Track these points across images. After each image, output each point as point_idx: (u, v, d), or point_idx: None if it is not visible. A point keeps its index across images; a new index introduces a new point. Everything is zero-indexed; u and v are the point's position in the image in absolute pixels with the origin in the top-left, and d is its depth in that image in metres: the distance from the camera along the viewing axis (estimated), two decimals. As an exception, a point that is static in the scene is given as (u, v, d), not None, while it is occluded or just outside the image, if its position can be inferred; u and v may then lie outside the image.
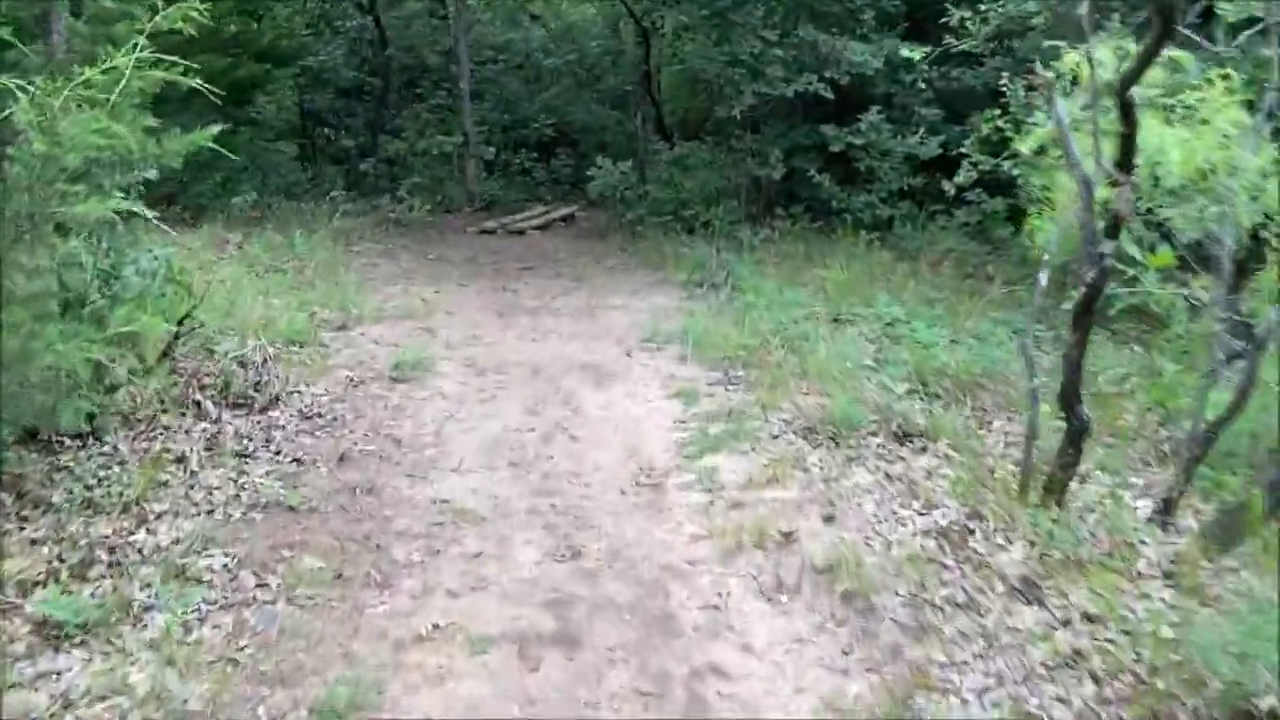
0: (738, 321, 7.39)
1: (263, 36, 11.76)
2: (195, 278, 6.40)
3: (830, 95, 10.95)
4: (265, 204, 11.78)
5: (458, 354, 6.81)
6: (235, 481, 4.48)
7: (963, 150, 7.75)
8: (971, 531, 4.13)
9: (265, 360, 5.36)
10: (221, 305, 6.57)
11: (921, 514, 4.35)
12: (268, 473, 4.60)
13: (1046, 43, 5.60)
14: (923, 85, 11.20)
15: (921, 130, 10.87)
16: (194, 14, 4.22)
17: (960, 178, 7.65)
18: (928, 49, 8.28)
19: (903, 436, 5.17)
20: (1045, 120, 4.62)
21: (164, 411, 4.83)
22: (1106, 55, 3.95)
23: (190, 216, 11.14)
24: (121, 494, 4.10)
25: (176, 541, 3.88)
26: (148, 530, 3.94)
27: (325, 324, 7.22)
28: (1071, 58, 4.17)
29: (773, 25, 11.31)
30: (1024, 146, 4.99)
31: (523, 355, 6.85)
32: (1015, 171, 7.64)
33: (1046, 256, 4.52)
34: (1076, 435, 4.12)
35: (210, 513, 4.17)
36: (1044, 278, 4.52)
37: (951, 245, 10.01)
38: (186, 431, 4.83)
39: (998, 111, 7.73)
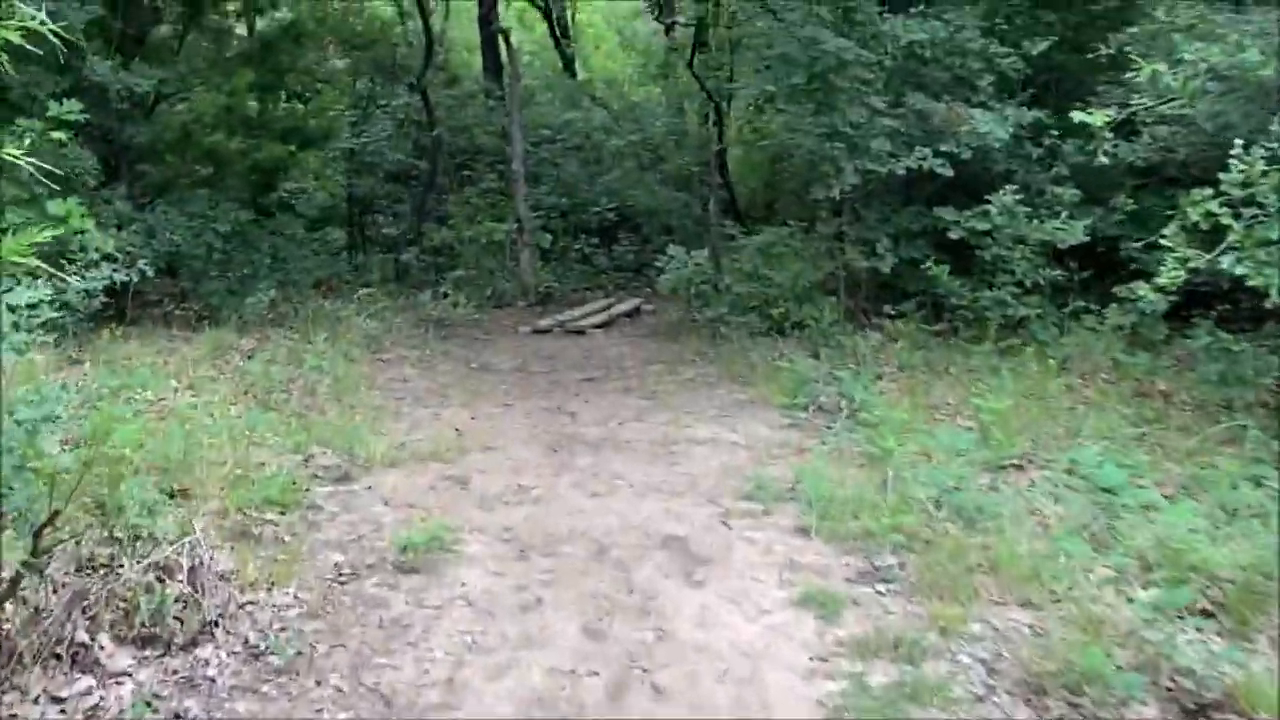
0: (869, 469, 5.50)
1: (287, 117, 10.44)
2: (137, 415, 4.73)
3: (949, 172, 9.18)
4: (293, 301, 10.28)
5: (493, 520, 5.00)
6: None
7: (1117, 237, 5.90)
8: None
9: (199, 563, 3.59)
10: (175, 456, 4.88)
11: None
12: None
13: None
14: (1054, 160, 9.41)
15: (1063, 214, 9.00)
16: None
17: (1165, 277, 5.77)
18: (1109, 114, 6.44)
19: (1196, 712, 3.19)
20: None
21: (19, 666, 3.07)
22: None
23: (200, 319, 9.67)
24: None
25: None
26: None
27: (322, 474, 5.48)
28: None
29: (877, 91, 9.62)
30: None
31: (581, 521, 5.02)
32: (1239, 270, 5.76)
33: None
34: None
35: None
36: None
37: (1114, 354, 8.01)
38: (53, 698, 3.06)
39: (1209, 192, 5.89)
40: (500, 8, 21.57)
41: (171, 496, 4.55)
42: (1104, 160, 6.74)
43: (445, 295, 11.79)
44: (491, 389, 8.16)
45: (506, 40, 13.87)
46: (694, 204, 19.97)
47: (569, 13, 26.91)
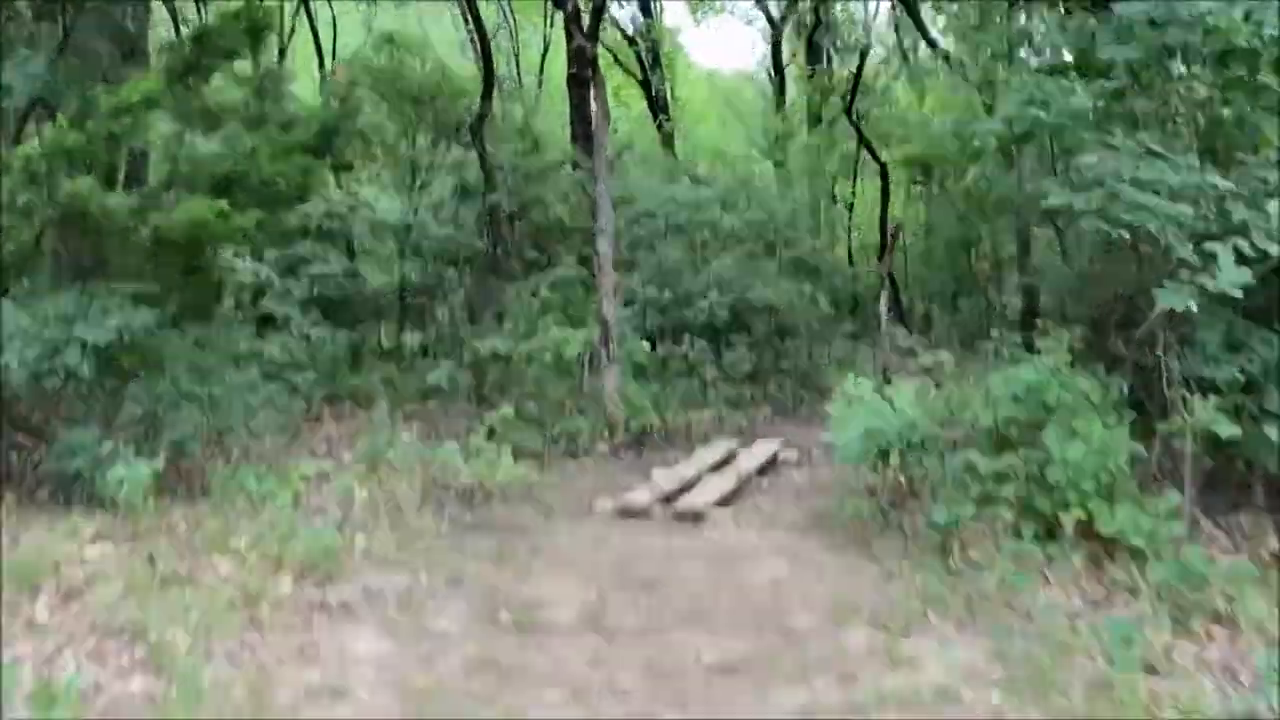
0: None
1: (223, 157, 6.40)
2: None
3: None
4: (219, 457, 6.31)
5: None
6: None
7: None
8: None
9: None
10: None
11: None
12: None
13: None
14: None
15: None
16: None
17: None
18: None
19: None
20: None
21: None
22: None
23: (53, 493, 5.73)
24: None
25: None
26: None
27: None
28: None
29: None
30: None
31: None
32: None
33: None
34: None
35: None
36: None
37: None
38: None
39: None
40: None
41: None
42: None
43: (490, 433, 7.68)
44: (533, 696, 3.88)
45: (594, 65, 9.98)
46: (821, 299, 15.93)
47: (668, 87, 23.72)
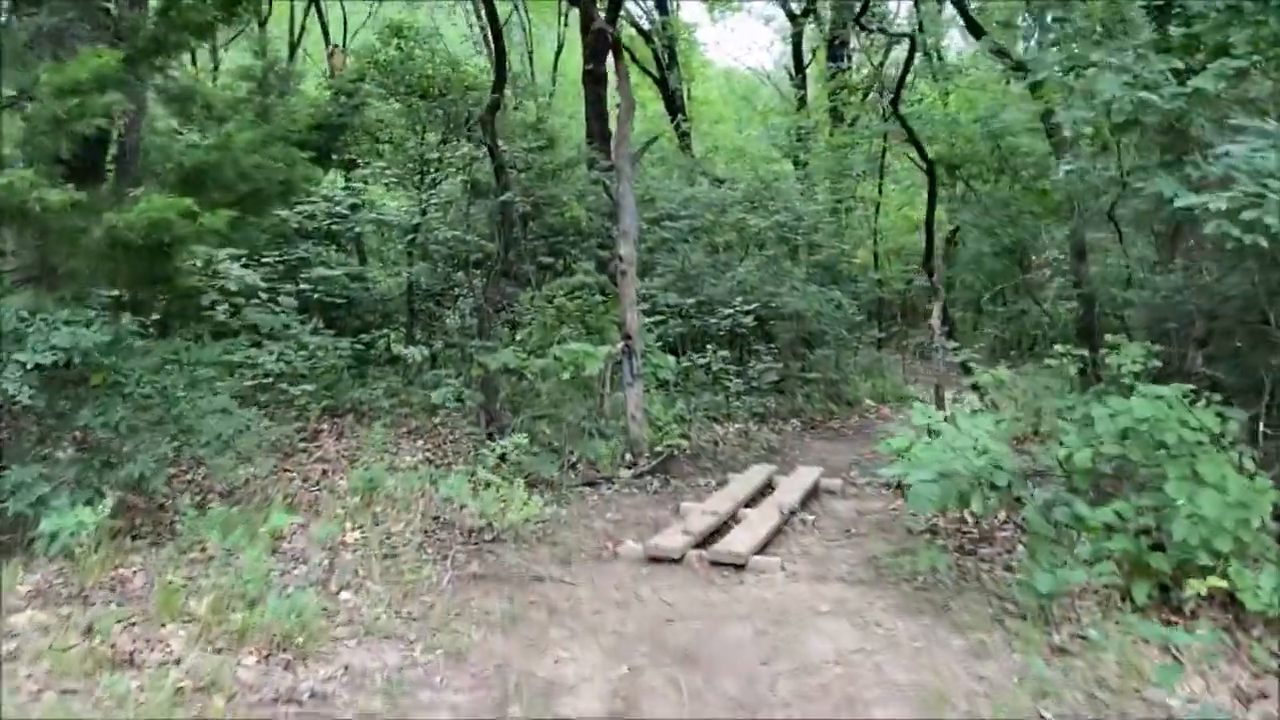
0: None
1: (195, 149, 5.51)
2: None
3: None
4: (187, 490, 5.45)
5: None
6: None
7: None
8: None
9: None
10: None
11: None
12: None
13: None
14: None
15: None
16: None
17: None
18: None
19: None
20: None
21: None
22: None
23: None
24: None
25: None
26: None
27: None
28: None
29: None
30: None
31: None
32: None
33: None
34: None
35: None
36: None
37: None
38: None
39: None
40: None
41: None
42: None
43: (501, 460, 6.80)
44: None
45: (616, 49, 9.08)
46: (848, 305, 15.09)
47: (685, 87, 22.89)
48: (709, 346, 11.69)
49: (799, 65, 22.21)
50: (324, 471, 7.80)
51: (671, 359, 9.07)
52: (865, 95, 21.24)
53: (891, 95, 10.96)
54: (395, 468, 7.70)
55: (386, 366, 12.03)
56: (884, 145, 19.11)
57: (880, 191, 20.26)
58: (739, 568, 5.68)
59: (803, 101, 21.79)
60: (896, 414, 14.87)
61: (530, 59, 23.68)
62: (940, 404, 7.83)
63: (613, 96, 17.66)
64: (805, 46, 22.45)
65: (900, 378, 17.61)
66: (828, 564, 5.88)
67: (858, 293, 16.67)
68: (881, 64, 20.54)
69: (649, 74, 21.58)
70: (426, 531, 5.88)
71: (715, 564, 5.73)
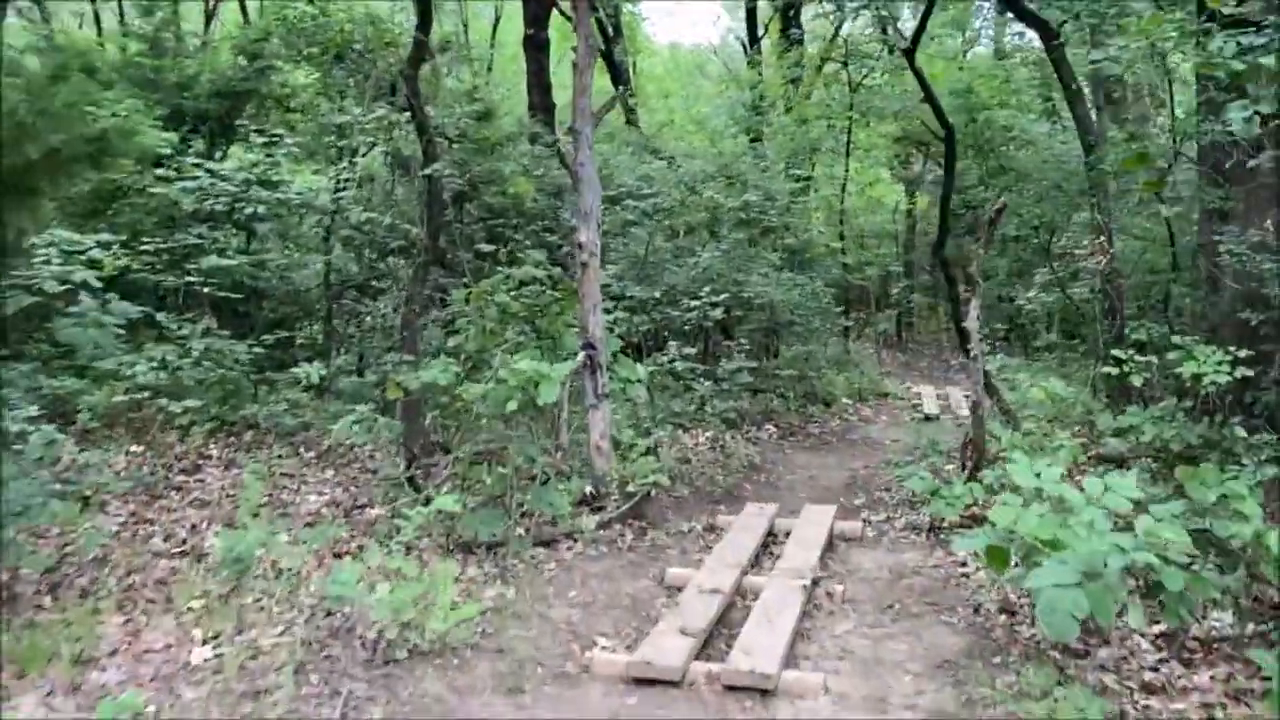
0: None
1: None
2: None
3: None
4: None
5: None
6: None
7: None
8: None
9: None
10: None
11: None
12: None
13: None
14: None
15: None
16: None
17: None
18: None
19: None
20: None
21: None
22: None
23: None
24: None
25: None
26: None
27: None
28: None
29: None
30: None
31: None
32: None
33: None
34: None
35: None
36: None
37: None
38: None
39: None
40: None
41: None
42: None
43: (436, 518, 4.99)
44: None
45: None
46: (822, 293, 13.71)
47: (630, 61, 21.21)
48: (672, 344, 10.05)
49: (753, 37, 20.64)
50: (193, 526, 5.96)
51: (641, 368, 7.31)
52: (821, 66, 19.71)
53: (907, 46, 9.26)
54: (288, 516, 5.90)
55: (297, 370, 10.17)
56: (848, 118, 17.68)
57: (847, 170, 18.80)
58: (765, 693, 3.96)
59: (758, 75, 20.24)
60: (878, 415, 13.45)
61: (465, 30, 21.82)
62: (977, 419, 6.21)
63: (556, 68, 15.83)
64: (759, 18, 20.90)
65: (875, 371, 16.23)
66: (882, 674, 4.19)
67: (827, 280, 15.25)
68: (836, 33, 19.12)
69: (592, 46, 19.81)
70: (312, 644, 4.06)
71: (729, 688, 3.99)
